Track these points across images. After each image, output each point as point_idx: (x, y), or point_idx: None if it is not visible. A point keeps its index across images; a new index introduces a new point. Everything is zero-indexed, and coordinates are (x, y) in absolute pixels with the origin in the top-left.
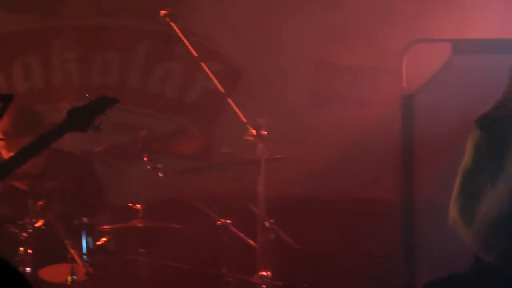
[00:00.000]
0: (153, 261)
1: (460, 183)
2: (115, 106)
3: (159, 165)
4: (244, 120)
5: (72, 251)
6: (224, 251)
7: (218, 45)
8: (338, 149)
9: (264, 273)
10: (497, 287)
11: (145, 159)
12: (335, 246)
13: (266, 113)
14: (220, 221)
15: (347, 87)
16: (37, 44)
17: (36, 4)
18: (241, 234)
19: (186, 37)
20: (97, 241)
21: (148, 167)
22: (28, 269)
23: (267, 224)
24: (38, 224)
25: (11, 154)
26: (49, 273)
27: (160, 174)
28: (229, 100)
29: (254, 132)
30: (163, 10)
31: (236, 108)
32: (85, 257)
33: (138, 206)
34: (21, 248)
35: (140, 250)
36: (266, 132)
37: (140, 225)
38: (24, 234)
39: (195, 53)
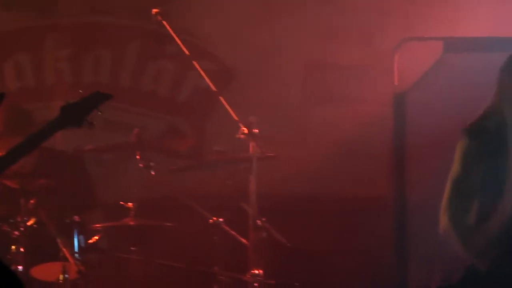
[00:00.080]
0: (145, 260)
1: (449, 192)
2: (107, 104)
3: (151, 163)
4: (236, 118)
5: (64, 249)
6: (216, 249)
7: (210, 44)
8: (330, 147)
9: (256, 272)
10: None
11: (137, 157)
12: (327, 245)
13: (258, 111)
14: (212, 219)
15: (338, 85)
16: (29, 43)
17: (28, 3)
18: (233, 233)
19: (178, 36)
20: (89, 240)
21: (140, 165)
22: (20, 268)
23: (259, 222)
24: (30, 222)
25: (1, 153)
26: (41, 271)
27: (152, 172)
28: (221, 99)
29: (246, 130)
30: (155, 8)
31: (228, 107)
32: (77, 255)
33: (130, 204)
34: (13, 247)
35: (132, 248)
36: (257, 131)
37: (132, 223)
38: (16, 233)
39: (187, 52)
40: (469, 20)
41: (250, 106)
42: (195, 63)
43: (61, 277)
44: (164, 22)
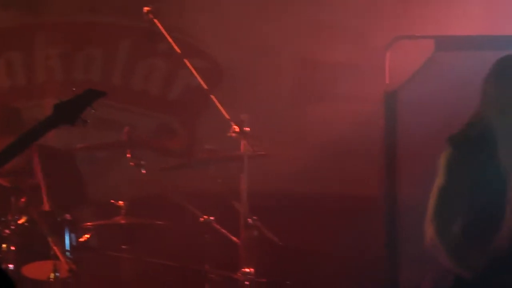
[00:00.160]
0: (136, 258)
1: (435, 203)
2: (98, 102)
3: (142, 162)
4: (227, 116)
5: (55, 247)
6: (207, 247)
7: (201, 42)
8: (322, 145)
9: (247, 270)
10: None
11: (128, 155)
12: (319, 243)
13: (249, 109)
14: (203, 217)
15: (329, 83)
16: (20, 41)
17: (19, 1)
18: (224, 231)
19: (169, 34)
20: (80, 238)
21: (131, 163)
22: (11, 266)
23: (250, 220)
24: (21, 221)
25: None
26: (32, 270)
27: (143, 171)
28: (212, 97)
29: (237, 128)
30: (146, 6)
31: (219, 105)
32: (68, 253)
33: (121, 202)
34: (4, 245)
35: (123, 246)
36: (249, 129)
37: (123, 221)
38: (7, 231)
39: (178, 50)
40: (461, 18)
41: (241, 105)
42: (186, 61)
43: (52, 275)
44: (156, 20)
